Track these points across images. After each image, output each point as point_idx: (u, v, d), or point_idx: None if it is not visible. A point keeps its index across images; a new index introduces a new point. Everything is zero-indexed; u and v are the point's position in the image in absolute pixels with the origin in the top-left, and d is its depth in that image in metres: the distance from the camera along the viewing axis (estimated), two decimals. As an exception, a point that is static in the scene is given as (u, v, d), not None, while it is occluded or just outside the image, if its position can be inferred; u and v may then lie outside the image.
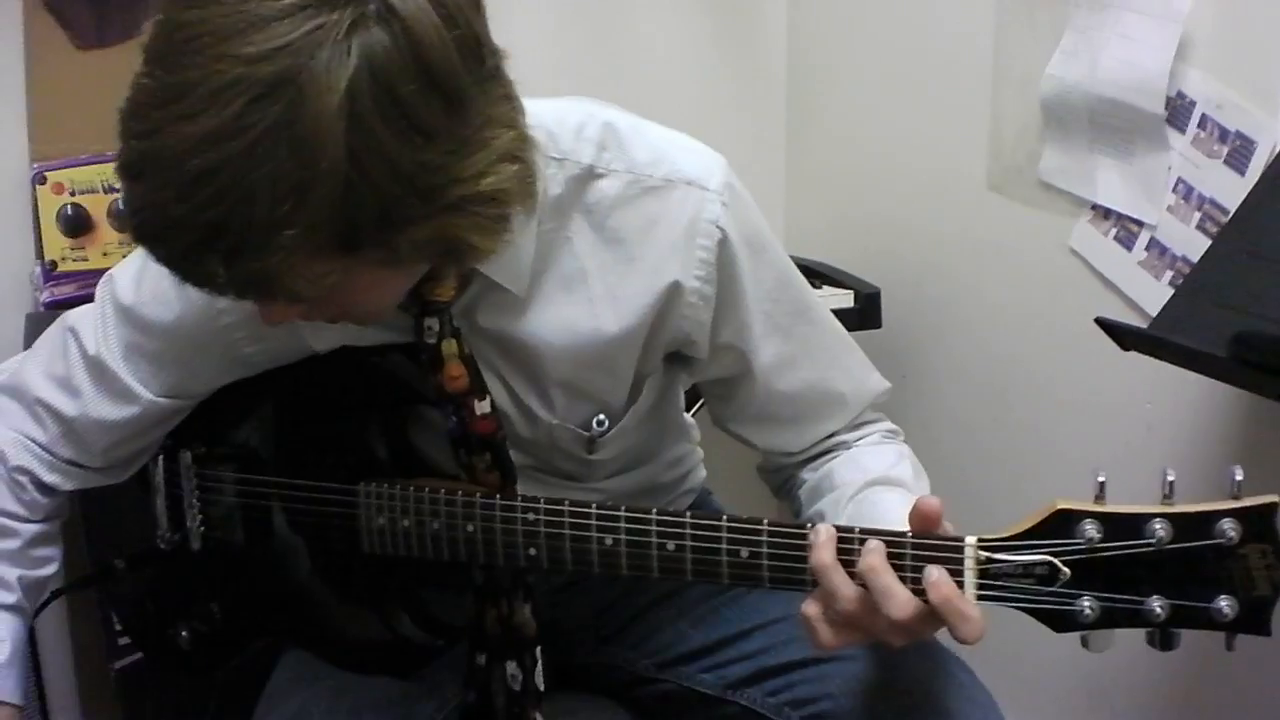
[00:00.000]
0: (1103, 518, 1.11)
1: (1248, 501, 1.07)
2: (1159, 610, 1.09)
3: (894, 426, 1.60)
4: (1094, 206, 2.08)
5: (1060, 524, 1.12)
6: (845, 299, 2.44)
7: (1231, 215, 1.70)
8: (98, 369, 1.48)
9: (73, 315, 1.53)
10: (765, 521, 1.25)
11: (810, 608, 1.22)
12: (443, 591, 1.49)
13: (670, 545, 1.28)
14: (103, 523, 1.80)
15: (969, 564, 1.15)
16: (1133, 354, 1.61)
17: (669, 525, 1.29)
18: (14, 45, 2.27)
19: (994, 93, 2.24)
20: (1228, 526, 1.07)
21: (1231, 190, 1.83)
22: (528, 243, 1.36)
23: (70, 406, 1.50)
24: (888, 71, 2.53)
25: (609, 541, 1.31)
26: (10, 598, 1.51)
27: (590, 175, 1.39)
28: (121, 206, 1.05)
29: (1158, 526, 1.09)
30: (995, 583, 1.14)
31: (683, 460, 1.72)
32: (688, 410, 1.79)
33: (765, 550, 1.25)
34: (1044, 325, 2.20)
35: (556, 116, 1.37)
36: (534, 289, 1.39)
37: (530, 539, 1.34)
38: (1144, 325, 1.71)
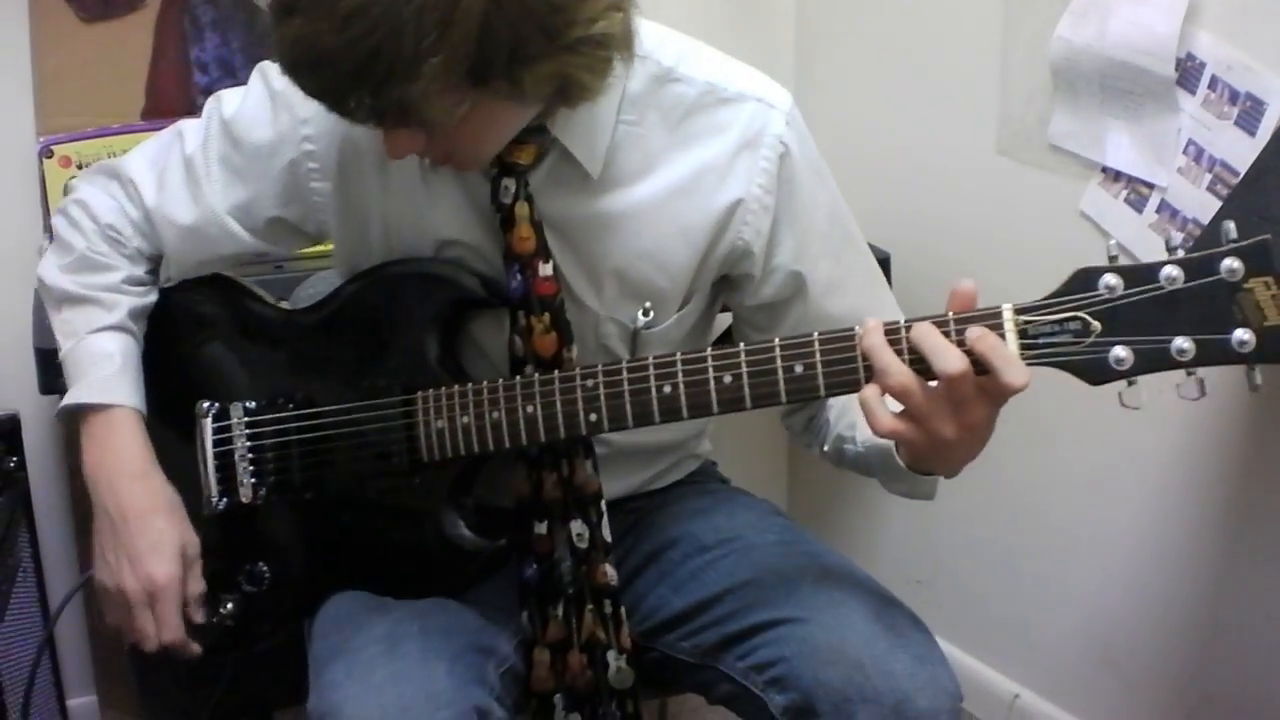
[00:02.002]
0: (1119, 270, 1.19)
1: (1243, 241, 1.16)
2: (1185, 347, 1.17)
3: None
4: (1104, 169, 2.07)
5: (1083, 281, 1.21)
6: (877, 279, 2.42)
7: (1242, 177, 1.69)
8: (189, 169, 1.61)
9: (183, 123, 1.66)
10: (815, 334, 1.31)
11: (868, 390, 1.27)
12: (492, 488, 1.57)
13: (727, 378, 1.34)
14: None
15: (1009, 328, 1.23)
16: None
17: (725, 359, 1.34)
18: (19, 18, 2.26)
19: (1003, 56, 2.22)
20: (1230, 264, 1.15)
21: (1242, 152, 1.83)
22: (607, 125, 1.47)
23: (153, 196, 1.63)
24: (896, 36, 2.51)
25: (667, 389, 1.37)
26: (115, 317, 1.61)
27: (669, 77, 1.50)
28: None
29: (1169, 270, 1.17)
30: (1035, 343, 1.23)
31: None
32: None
33: (819, 360, 1.30)
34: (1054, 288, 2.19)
35: (641, 24, 1.43)
36: (604, 174, 1.49)
37: (590, 405, 1.41)
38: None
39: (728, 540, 1.60)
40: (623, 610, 1.54)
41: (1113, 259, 1.21)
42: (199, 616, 1.52)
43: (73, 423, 1.60)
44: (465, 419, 1.47)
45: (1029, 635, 2.41)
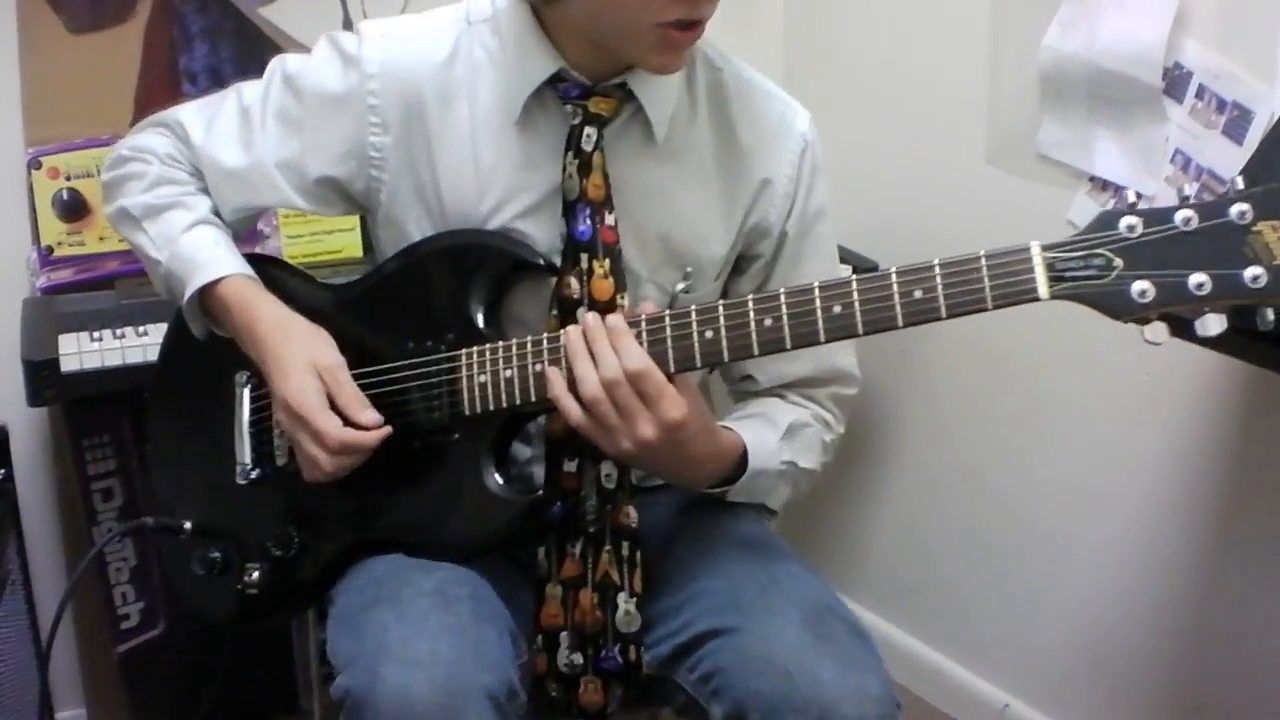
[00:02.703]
0: (1138, 211, 1.25)
1: (1255, 188, 1.23)
2: (1202, 281, 1.22)
3: (831, 420, 1.72)
4: (1092, 178, 2.08)
5: (1105, 222, 1.26)
6: (843, 273, 2.43)
7: (1228, 184, 1.69)
8: (243, 117, 1.66)
9: (243, 84, 1.70)
10: (937, 262, 1.34)
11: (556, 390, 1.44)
12: (524, 441, 1.63)
13: (768, 320, 1.39)
14: (170, 485, 1.82)
15: (1037, 263, 1.28)
16: (1132, 325, 1.60)
17: (764, 301, 1.40)
18: (7, 29, 2.26)
19: (991, 65, 2.23)
20: (1241, 208, 1.21)
21: (1230, 160, 1.83)
22: (674, 94, 1.59)
23: (201, 136, 1.67)
24: (884, 47, 2.52)
25: (709, 334, 1.41)
26: (199, 214, 1.65)
27: (715, 70, 1.65)
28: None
29: (1184, 213, 1.23)
30: (1061, 276, 1.27)
31: None
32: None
33: (857, 300, 1.36)
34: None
35: None
36: (666, 142, 1.59)
37: None
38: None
39: (695, 544, 1.63)
40: (639, 554, 1.58)
41: (1132, 205, 1.27)
42: (366, 418, 1.53)
43: (207, 314, 1.64)
44: (509, 372, 1.51)
45: (1019, 644, 2.41)
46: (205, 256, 1.61)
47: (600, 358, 1.39)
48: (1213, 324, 1.24)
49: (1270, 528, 1.96)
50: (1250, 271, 1.21)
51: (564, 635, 1.58)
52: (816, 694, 1.38)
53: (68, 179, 2.25)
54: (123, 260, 2.21)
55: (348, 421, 1.51)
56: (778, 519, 1.74)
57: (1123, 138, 2.01)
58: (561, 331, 1.45)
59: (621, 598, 1.57)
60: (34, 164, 2.25)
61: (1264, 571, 1.97)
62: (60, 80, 2.30)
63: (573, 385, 1.41)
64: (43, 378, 2.00)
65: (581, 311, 1.54)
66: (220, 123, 1.67)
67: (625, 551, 1.57)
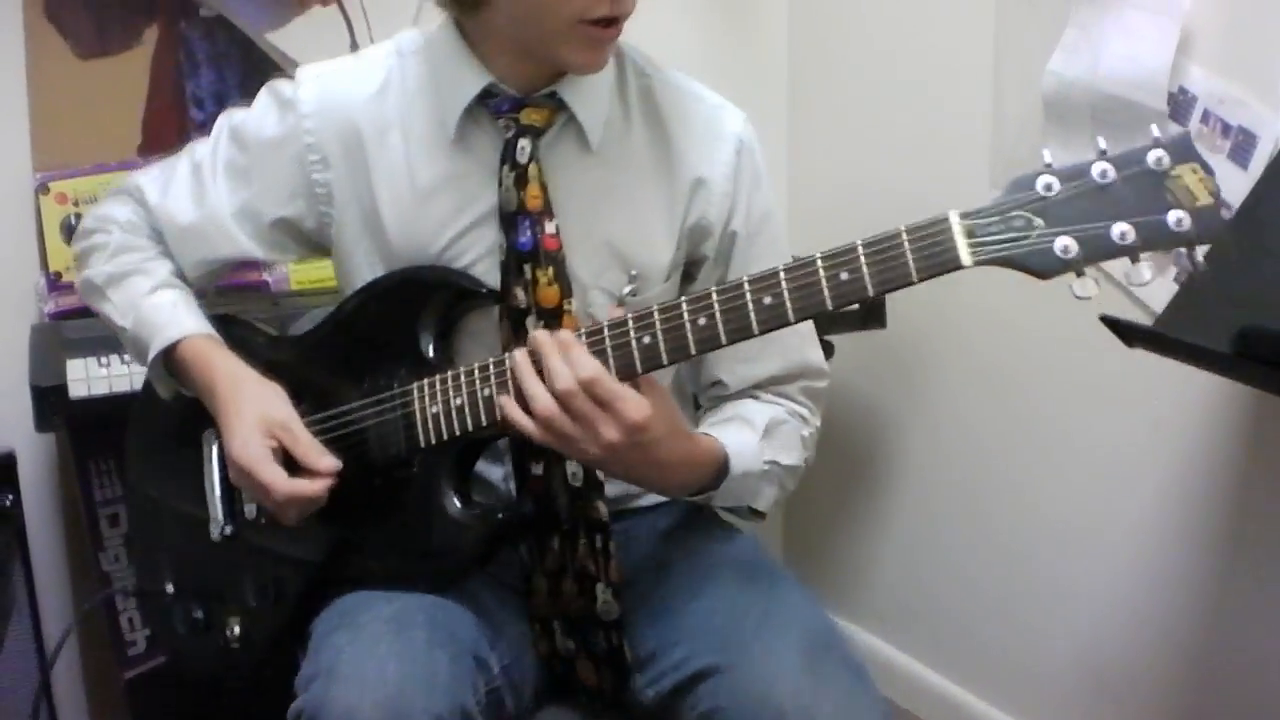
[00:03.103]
0: (1052, 170, 1.26)
1: (1166, 135, 1.24)
2: (1125, 230, 1.23)
3: (806, 414, 1.72)
4: (1097, 202, 2.08)
5: (1021, 185, 1.27)
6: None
7: (1235, 210, 1.70)
8: (195, 174, 1.71)
9: (195, 142, 1.75)
10: (859, 243, 1.35)
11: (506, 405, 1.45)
12: (497, 461, 1.65)
13: (702, 319, 1.40)
14: (148, 547, 1.85)
15: (958, 233, 1.28)
16: (1139, 351, 1.61)
17: (697, 301, 1.40)
18: (15, 54, 2.28)
19: (995, 90, 2.24)
20: (1157, 155, 1.23)
21: (1235, 185, 1.83)
22: (605, 100, 1.62)
23: (156, 197, 1.72)
24: (889, 69, 2.53)
25: (647, 339, 1.42)
26: (159, 278, 1.70)
27: (645, 76, 1.67)
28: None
29: (1100, 165, 1.24)
30: (982, 242, 1.27)
31: None
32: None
33: (785, 290, 1.36)
34: (1049, 323, 2.19)
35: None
36: (601, 148, 1.62)
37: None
38: (1149, 321, 1.71)
39: (692, 572, 1.65)
40: (611, 545, 1.60)
41: (1047, 165, 1.27)
42: (323, 463, 1.55)
43: (170, 374, 1.68)
44: (459, 400, 1.53)
45: (1025, 668, 2.41)
46: (165, 319, 1.66)
47: (552, 372, 1.40)
48: (1145, 270, 1.25)
49: (1275, 553, 1.96)
50: (1173, 215, 1.22)
51: (556, 624, 1.62)
52: None
53: (75, 204, 2.26)
54: (130, 285, 2.21)
55: (309, 470, 1.55)
56: (766, 524, 1.74)
57: (1127, 162, 2.01)
58: (507, 355, 1.46)
59: (599, 588, 1.60)
60: (42, 189, 2.26)
61: (1268, 597, 1.97)
62: (68, 106, 2.31)
63: (526, 405, 1.42)
64: (50, 403, 2.01)
65: (531, 321, 1.57)
66: (174, 183, 1.72)
67: (599, 544, 1.60)
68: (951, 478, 2.51)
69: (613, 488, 1.67)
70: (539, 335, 1.43)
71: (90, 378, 2.02)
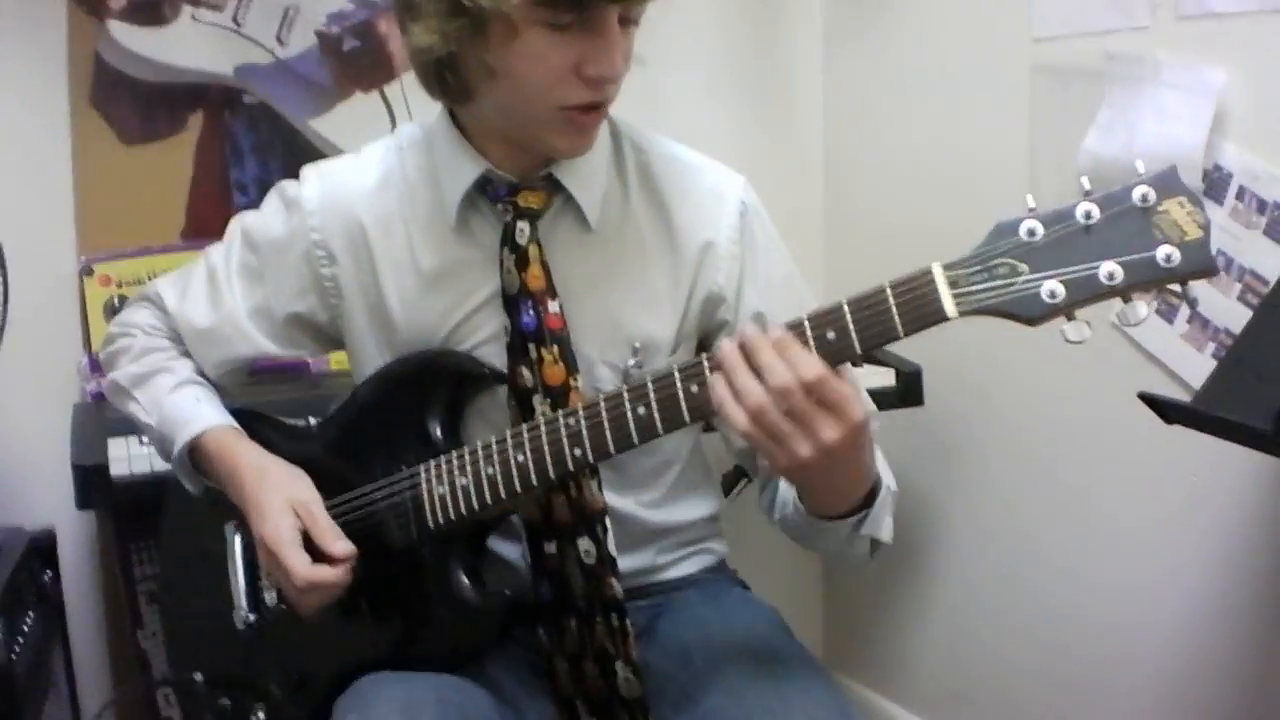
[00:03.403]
0: (1036, 215, 1.24)
1: (1151, 172, 1.21)
2: (1113, 270, 1.20)
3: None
4: (1134, 281, 2.08)
5: (1003, 232, 1.26)
6: (887, 377, 2.44)
7: (1272, 286, 1.69)
8: (211, 279, 1.75)
9: (211, 247, 1.79)
10: (844, 301, 1.33)
11: (720, 392, 1.34)
12: (514, 539, 1.65)
13: (694, 387, 1.38)
14: (178, 636, 1.89)
15: (941, 284, 1.28)
16: (1177, 427, 1.60)
17: (689, 369, 1.39)
18: (62, 141, 2.32)
19: (1031, 170, 2.25)
20: (1143, 191, 1.20)
21: (1272, 261, 1.83)
22: (602, 179, 1.64)
23: (175, 303, 1.77)
24: (923, 149, 2.54)
25: (641, 410, 1.41)
26: (183, 375, 1.74)
27: (641, 152, 1.68)
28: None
29: (1084, 206, 1.22)
30: (967, 292, 1.26)
31: (702, 502, 1.79)
32: (725, 495, 1.90)
33: (850, 323, 1.32)
34: (1086, 400, 2.19)
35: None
36: (601, 226, 1.63)
37: (574, 441, 1.46)
38: (1187, 398, 1.70)
39: (711, 656, 1.63)
40: (628, 623, 1.60)
41: (1031, 210, 1.25)
42: (339, 549, 1.55)
43: (196, 470, 1.71)
44: (464, 480, 1.54)
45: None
46: (188, 414, 1.69)
47: (767, 367, 1.31)
48: (1140, 309, 1.23)
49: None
50: (1162, 251, 1.19)
51: (579, 703, 1.63)
52: None
53: (119, 286, 2.29)
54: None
55: (323, 554, 1.55)
56: (806, 609, 1.73)
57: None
58: (716, 346, 1.38)
59: (619, 666, 1.60)
60: (86, 271, 2.30)
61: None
62: (113, 190, 2.35)
63: (737, 397, 1.33)
64: (92, 482, 2.02)
65: (538, 399, 1.58)
66: (192, 288, 1.77)
67: (615, 622, 1.61)
68: (992, 557, 2.49)
69: (630, 562, 1.67)
70: (749, 332, 1.34)
71: (131, 456, 2.03)
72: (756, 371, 1.32)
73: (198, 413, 1.69)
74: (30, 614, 2.00)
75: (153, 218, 2.37)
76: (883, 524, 1.54)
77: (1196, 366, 1.91)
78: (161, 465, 2.02)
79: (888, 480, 1.55)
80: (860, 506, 1.49)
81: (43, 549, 2.12)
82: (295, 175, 1.77)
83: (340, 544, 1.56)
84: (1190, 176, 1.91)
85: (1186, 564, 2.10)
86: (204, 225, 2.39)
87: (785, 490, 1.62)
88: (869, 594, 2.78)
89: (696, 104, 2.65)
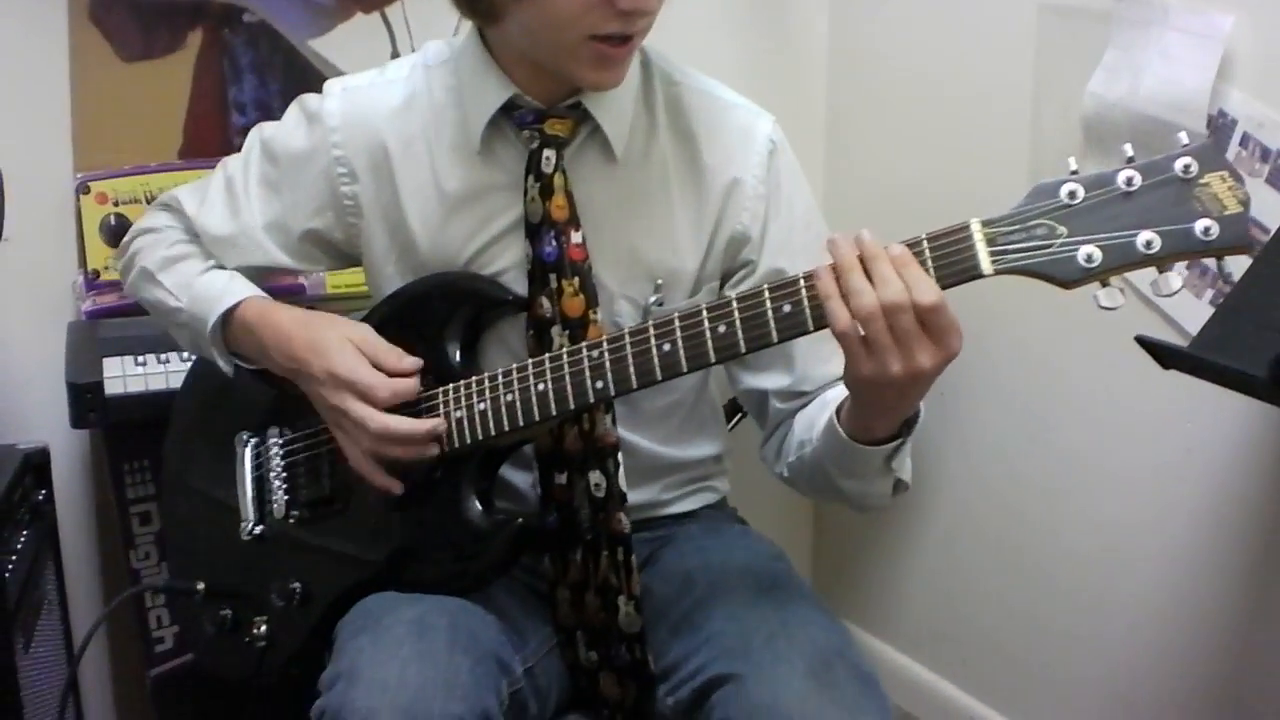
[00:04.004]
0: (1077, 177, 1.24)
1: (1194, 143, 1.22)
2: (1150, 239, 1.21)
3: None
4: (1136, 226, 2.07)
5: (1044, 193, 1.26)
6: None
7: (1273, 234, 1.69)
8: (229, 187, 1.76)
9: (228, 158, 1.81)
10: (802, 279, 1.35)
11: (827, 285, 1.33)
12: (525, 468, 1.68)
13: (722, 327, 1.39)
14: (180, 546, 1.91)
15: (979, 241, 1.27)
16: (1173, 374, 1.60)
17: (718, 309, 1.39)
18: (59, 57, 2.29)
19: (1034, 111, 2.23)
20: (1185, 162, 1.21)
21: (1273, 209, 1.82)
22: (629, 110, 1.63)
23: (194, 209, 1.77)
24: (927, 91, 2.52)
25: (666, 347, 1.42)
26: (213, 261, 1.76)
27: (673, 84, 1.69)
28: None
29: (1126, 173, 1.22)
30: (1004, 250, 1.26)
31: (709, 441, 1.82)
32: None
33: (804, 298, 1.35)
34: (1083, 345, 2.18)
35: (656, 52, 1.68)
36: (626, 157, 1.64)
37: (596, 374, 1.47)
38: (1184, 344, 1.70)
39: (713, 583, 1.65)
40: (633, 558, 1.62)
41: (1072, 173, 1.25)
42: (407, 364, 1.57)
43: (230, 345, 1.71)
44: (482, 405, 1.54)
45: (1054, 690, 2.39)
46: (220, 290, 1.70)
47: (883, 278, 1.30)
48: (1173, 280, 1.23)
49: (1309, 581, 1.94)
50: (1201, 224, 1.19)
51: (579, 634, 1.65)
52: None
53: (115, 204, 2.28)
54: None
55: (394, 374, 1.57)
56: (796, 541, 1.75)
57: (1166, 186, 2.00)
58: (829, 242, 1.36)
59: (620, 600, 1.62)
60: (82, 189, 2.28)
61: (1302, 625, 1.95)
62: (110, 107, 2.33)
63: (845, 296, 1.32)
64: (86, 400, 2.02)
65: (556, 330, 1.59)
66: (210, 197, 1.78)
67: (620, 556, 1.62)
68: (983, 499, 2.50)
69: (636, 496, 1.67)
70: (866, 240, 1.33)
71: (126, 375, 2.04)
72: (869, 278, 1.30)
73: (230, 288, 1.69)
74: (24, 532, 2.00)
75: (150, 136, 2.35)
76: (905, 462, 1.56)
77: (1195, 313, 1.90)
78: (157, 384, 2.05)
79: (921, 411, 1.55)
80: (897, 434, 1.50)
81: (36, 467, 2.12)
82: (294, 96, 1.76)
83: (406, 360, 1.57)
84: (1194, 122, 1.90)
85: (1178, 513, 2.10)
86: (202, 144, 2.37)
87: (803, 430, 1.64)
88: (858, 534, 2.79)
89: (702, 43, 2.63)
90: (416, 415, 1.58)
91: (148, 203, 2.23)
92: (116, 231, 2.26)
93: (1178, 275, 1.23)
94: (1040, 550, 2.37)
